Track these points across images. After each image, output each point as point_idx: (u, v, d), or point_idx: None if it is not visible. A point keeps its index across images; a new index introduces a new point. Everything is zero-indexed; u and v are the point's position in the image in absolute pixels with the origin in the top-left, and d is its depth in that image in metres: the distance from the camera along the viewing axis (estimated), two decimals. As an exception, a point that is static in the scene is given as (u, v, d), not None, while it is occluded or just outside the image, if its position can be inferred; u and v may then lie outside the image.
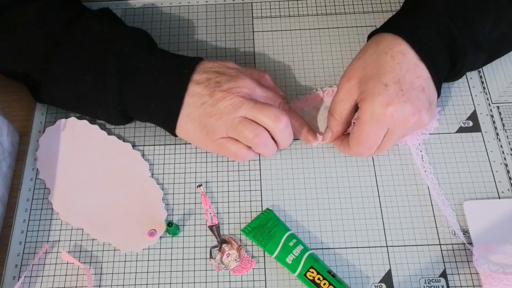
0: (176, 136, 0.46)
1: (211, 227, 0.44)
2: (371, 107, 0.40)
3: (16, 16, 0.45)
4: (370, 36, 0.46)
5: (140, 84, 0.44)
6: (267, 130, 0.43)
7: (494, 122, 0.49)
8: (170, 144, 0.49)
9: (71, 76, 0.45)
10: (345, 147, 0.45)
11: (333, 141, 0.46)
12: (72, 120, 0.49)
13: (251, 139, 0.43)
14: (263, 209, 0.45)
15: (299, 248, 0.42)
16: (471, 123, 0.49)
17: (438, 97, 0.44)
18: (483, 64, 0.49)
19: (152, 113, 0.45)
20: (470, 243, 0.43)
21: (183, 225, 0.45)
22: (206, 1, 0.57)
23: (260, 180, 0.47)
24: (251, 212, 0.45)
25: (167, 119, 0.45)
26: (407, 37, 0.42)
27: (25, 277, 0.43)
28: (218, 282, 0.43)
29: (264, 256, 0.43)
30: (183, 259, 0.44)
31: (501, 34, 0.45)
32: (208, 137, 0.44)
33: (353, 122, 0.44)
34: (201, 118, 0.43)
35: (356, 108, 0.43)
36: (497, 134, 0.48)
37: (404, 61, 0.41)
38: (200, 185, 0.46)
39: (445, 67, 0.44)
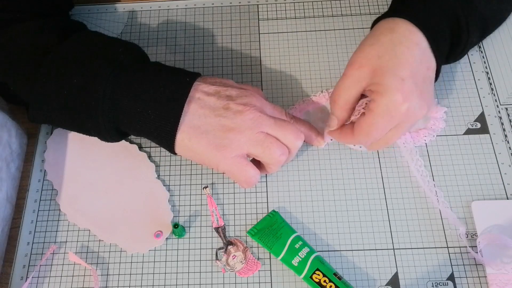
0: (174, 153, 0.43)
1: (217, 229, 0.44)
2: (387, 101, 0.39)
3: (13, 32, 0.44)
4: (375, 22, 0.44)
5: (135, 89, 0.41)
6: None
7: (502, 123, 0.48)
8: (177, 146, 0.49)
9: (59, 80, 0.41)
10: (345, 135, 0.44)
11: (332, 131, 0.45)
12: (80, 122, 0.50)
13: (277, 156, 0.42)
14: (269, 211, 0.45)
15: (305, 250, 0.42)
16: (479, 125, 0.48)
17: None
18: (477, 43, 0.47)
19: (148, 122, 0.41)
20: (475, 247, 0.42)
21: (189, 227, 0.45)
22: (212, 4, 0.57)
23: (266, 182, 0.47)
24: (257, 214, 0.45)
25: (166, 128, 0.41)
26: (421, 26, 0.41)
27: (32, 277, 0.43)
28: (223, 284, 0.43)
29: (270, 258, 0.43)
30: (189, 260, 0.44)
31: (491, 10, 0.44)
32: (222, 153, 0.41)
33: (358, 111, 0.43)
34: (215, 131, 0.41)
35: (361, 95, 0.42)
36: (506, 136, 0.48)
37: (419, 53, 0.40)
38: (206, 187, 0.46)
39: (446, 51, 0.44)
